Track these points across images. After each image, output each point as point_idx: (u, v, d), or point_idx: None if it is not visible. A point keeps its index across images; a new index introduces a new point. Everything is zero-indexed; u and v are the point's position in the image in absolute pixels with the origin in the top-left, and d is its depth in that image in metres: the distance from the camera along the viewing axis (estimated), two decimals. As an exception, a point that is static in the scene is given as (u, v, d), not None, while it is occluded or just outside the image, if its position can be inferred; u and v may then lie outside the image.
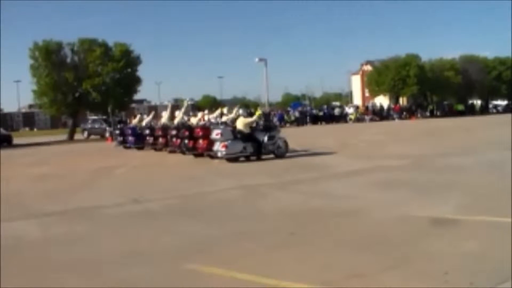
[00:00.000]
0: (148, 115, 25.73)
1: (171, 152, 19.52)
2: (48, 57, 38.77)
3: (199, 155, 17.22)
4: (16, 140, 37.23)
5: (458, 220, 6.55)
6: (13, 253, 6.01)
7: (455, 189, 8.85)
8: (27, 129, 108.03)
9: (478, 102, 63.73)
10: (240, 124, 15.76)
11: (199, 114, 20.47)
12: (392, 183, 9.94)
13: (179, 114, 20.93)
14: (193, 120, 19.61)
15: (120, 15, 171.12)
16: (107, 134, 34.78)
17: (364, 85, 69.91)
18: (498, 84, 60.47)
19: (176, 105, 39.69)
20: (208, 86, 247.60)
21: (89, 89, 38.70)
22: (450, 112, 54.46)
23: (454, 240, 5.63)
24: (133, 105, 68.67)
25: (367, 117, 49.34)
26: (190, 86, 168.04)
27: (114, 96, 38.57)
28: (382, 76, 56.79)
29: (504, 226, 5.98)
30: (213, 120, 18.55)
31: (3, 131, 39.36)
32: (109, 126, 34.32)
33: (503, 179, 9.19)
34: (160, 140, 20.78)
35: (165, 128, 20.61)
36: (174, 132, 19.10)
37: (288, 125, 43.24)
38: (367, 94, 67.60)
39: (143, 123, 23.77)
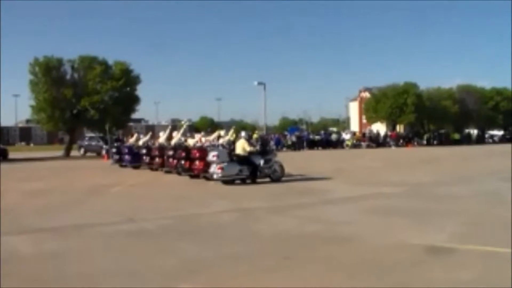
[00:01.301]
0: (145, 134, 25.74)
1: (167, 172, 19.54)
2: (48, 73, 38.83)
3: (195, 176, 17.23)
4: (12, 155, 37.12)
5: (453, 249, 6.56)
6: (5, 268, 5.98)
7: (450, 218, 8.87)
8: (23, 143, 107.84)
9: (474, 132, 64.05)
10: (239, 147, 15.81)
11: (197, 136, 20.54)
12: (388, 210, 9.96)
13: (176, 135, 20.97)
14: (190, 142, 19.64)
15: (121, 36, 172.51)
16: (104, 152, 34.74)
17: (361, 111, 70.27)
18: (494, 114, 60.97)
19: (174, 126, 39.63)
20: (206, 108, 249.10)
21: (87, 106, 38.72)
22: (447, 141, 54.63)
23: (448, 267, 5.63)
24: (131, 124, 68.76)
25: (363, 144, 49.44)
26: (188, 107, 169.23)
27: (112, 114, 38.53)
28: (380, 103, 57.17)
29: (499, 255, 6.00)
30: (210, 142, 18.59)
31: (-1, 145, 39.24)
32: (106, 144, 34.27)
33: (499, 209, 9.23)
34: (157, 160, 20.82)
35: (162, 148, 20.67)
36: (171, 153, 19.14)
37: (285, 149, 43.29)
38: (364, 121, 67.91)
39: (140, 143, 23.80)
